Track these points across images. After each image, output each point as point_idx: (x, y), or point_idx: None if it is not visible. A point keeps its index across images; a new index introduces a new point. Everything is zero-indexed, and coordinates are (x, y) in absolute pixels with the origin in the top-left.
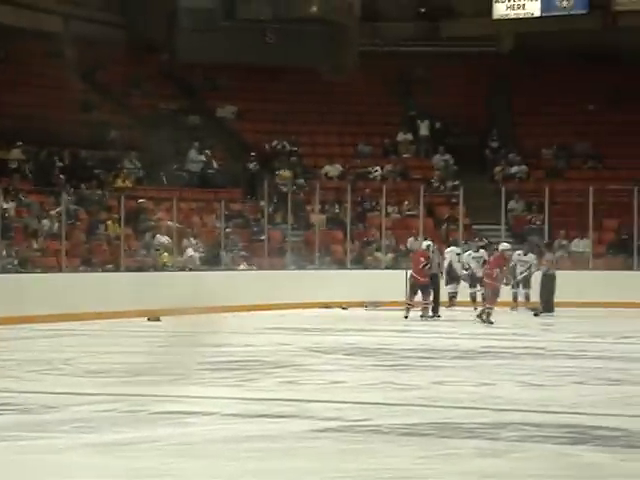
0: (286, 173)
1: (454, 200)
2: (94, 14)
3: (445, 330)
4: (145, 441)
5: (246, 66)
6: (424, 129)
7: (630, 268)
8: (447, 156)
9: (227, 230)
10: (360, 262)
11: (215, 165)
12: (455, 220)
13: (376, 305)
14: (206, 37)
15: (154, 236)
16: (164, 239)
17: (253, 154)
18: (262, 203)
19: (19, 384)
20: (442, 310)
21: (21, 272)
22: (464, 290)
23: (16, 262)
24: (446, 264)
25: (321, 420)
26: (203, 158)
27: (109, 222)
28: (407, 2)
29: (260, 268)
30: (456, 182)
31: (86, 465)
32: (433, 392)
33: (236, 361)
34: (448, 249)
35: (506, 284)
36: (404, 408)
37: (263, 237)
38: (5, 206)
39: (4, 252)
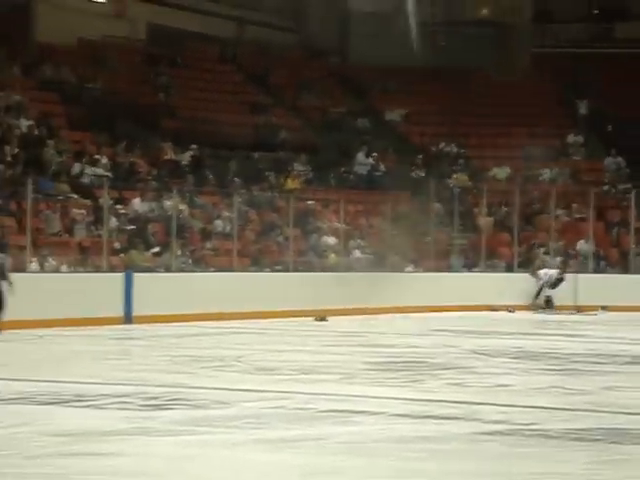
0: (462, 176)
1: (625, 203)
2: (267, 19)
3: (615, 335)
4: (313, 438)
5: (416, 69)
6: (595, 131)
7: None
8: (619, 158)
9: (394, 232)
10: (526, 265)
11: (382, 168)
12: (626, 224)
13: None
14: (377, 41)
15: (321, 237)
16: (331, 240)
17: (420, 156)
18: (429, 205)
19: (192, 380)
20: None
21: (195, 271)
22: None
23: (190, 261)
24: None
25: (487, 423)
26: (371, 161)
27: (280, 223)
28: (580, 3)
29: (426, 270)
30: (628, 185)
31: (259, 461)
32: (602, 397)
33: (402, 362)
34: None
35: None
36: (572, 413)
37: (429, 239)
38: (180, 207)
39: (179, 252)
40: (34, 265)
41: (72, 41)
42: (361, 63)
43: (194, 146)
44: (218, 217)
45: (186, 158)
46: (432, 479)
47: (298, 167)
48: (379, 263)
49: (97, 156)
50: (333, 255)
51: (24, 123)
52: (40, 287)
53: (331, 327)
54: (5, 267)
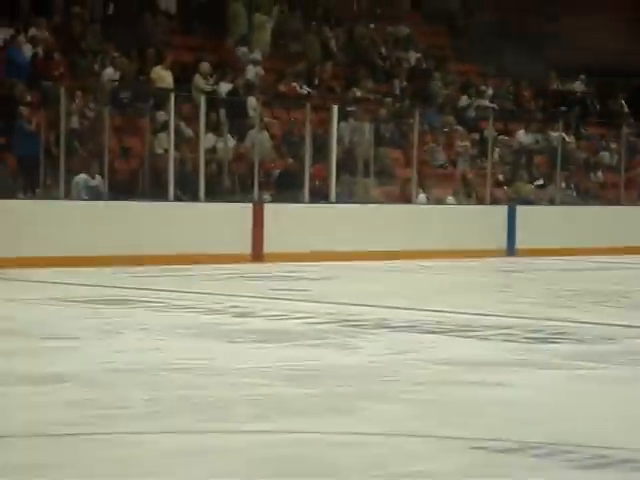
0: None
1: None
2: None
3: None
4: None
5: None
6: None
7: None
8: None
9: None
10: None
11: None
12: None
13: None
14: None
15: None
16: None
17: None
18: None
19: (576, 314)
20: None
21: (579, 204)
22: None
23: (574, 194)
24: None
25: None
26: None
27: None
28: None
29: None
30: None
31: None
32: None
33: None
34: None
35: None
36: None
37: None
38: (566, 139)
39: (563, 184)
40: (422, 197)
41: None
42: None
43: (582, 76)
44: (604, 149)
45: (576, 88)
46: None
47: None
48: None
49: (483, 87)
50: None
51: (412, 56)
52: (425, 218)
53: None
54: None
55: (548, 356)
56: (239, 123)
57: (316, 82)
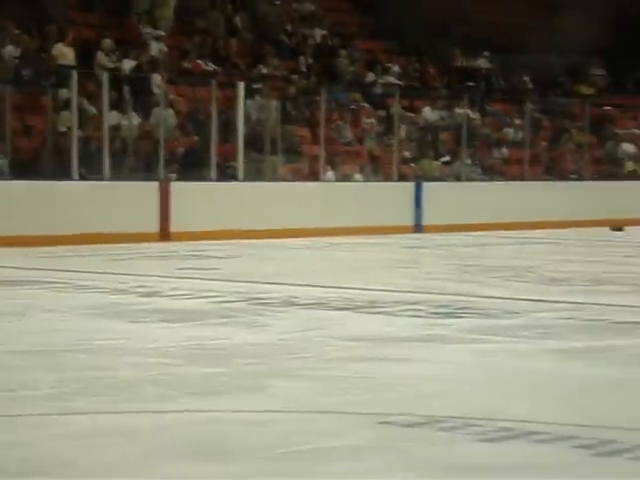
0: None
1: None
2: None
3: None
4: (603, 350)
5: None
6: None
7: None
8: None
9: None
10: None
11: None
12: None
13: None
14: None
15: (619, 144)
16: (629, 147)
17: None
18: None
19: (482, 289)
20: None
21: (484, 180)
22: None
23: (480, 170)
24: None
25: None
26: None
27: (573, 130)
28: None
29: None
30: None
31: (544, 371)
32: None
33: None
34: None
35: None
36: None
37: None
38: (471, 115)
39: (468, 161)
40: (330, 174)
41: None
42: None
43: (485, 52)
44: (509, 125)
45: (479, 64)
46: None
47: (593, 71)
48: None
49: (388, 65)
50: (630, 163)
51: (318, 33)
52: (332, 196)
53: (628, 237)
54: None
55: (454, 331)
56: (143, 100)
57: (221, 59)
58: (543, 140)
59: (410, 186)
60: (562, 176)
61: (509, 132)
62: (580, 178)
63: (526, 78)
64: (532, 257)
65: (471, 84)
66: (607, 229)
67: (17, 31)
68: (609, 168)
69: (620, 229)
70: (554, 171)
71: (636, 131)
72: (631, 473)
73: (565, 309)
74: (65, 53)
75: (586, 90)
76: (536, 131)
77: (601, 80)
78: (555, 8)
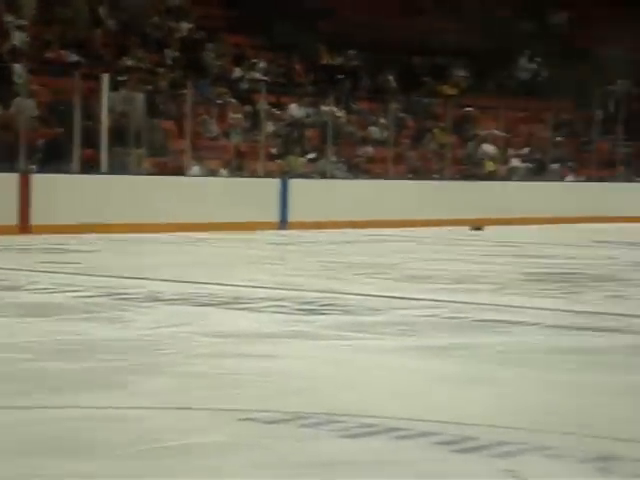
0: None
1: None
2: None
3: None
4: (464, 347)
5: None
6: None
7: None
8: None
9: (557, 139)
10: None
11: (545, 73)
12: None
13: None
14: None
15: (479, 145)
16: (489, 148)
17: (585, 62)
18: (594, 112)
19: (345, 286)
20: None
21: (349, 178)
22: None
23: (344, 168)
24: None
25: None
26: (534, 66)
27: (436, 130)
28: None
29: (588, 180)
30: None
31: (408, 368)
32: None
33: (560, 273)
34: None
35: None
36: None
37: (592, 148)
38: (336, 113)
39: (334, 158)
40: (195, 169)
41: None
42: None
43: (352, 50)
44: (374, 124)
45: (344, 62)
46: (585, 392)
47: (457, 72)
48: (538, 172)
49: (255, 60)
50: (491, 163)
51: (184, 26)
52: (198, 191)
53: (487, 237)
54: None
55: (318, 327)
56: (4, 90)
57: (86, 50)
58: (407, 139)
59: (276, 182)
60: (424, 175)
61: (374, 131)
62: (442, 178)
63: (391, 77)
64: (395, 255)
65: (338, 78)
66: (467, 228)
67: None
68: (470, 168)
69: (479, 228)
70: (417, 170)
71: (496, 132)
72: (488, 470)
73: (427, 306)
74: None
75: (449, 90)
76: (400, 130)
77: (464, 81)
78: (422, 9)
